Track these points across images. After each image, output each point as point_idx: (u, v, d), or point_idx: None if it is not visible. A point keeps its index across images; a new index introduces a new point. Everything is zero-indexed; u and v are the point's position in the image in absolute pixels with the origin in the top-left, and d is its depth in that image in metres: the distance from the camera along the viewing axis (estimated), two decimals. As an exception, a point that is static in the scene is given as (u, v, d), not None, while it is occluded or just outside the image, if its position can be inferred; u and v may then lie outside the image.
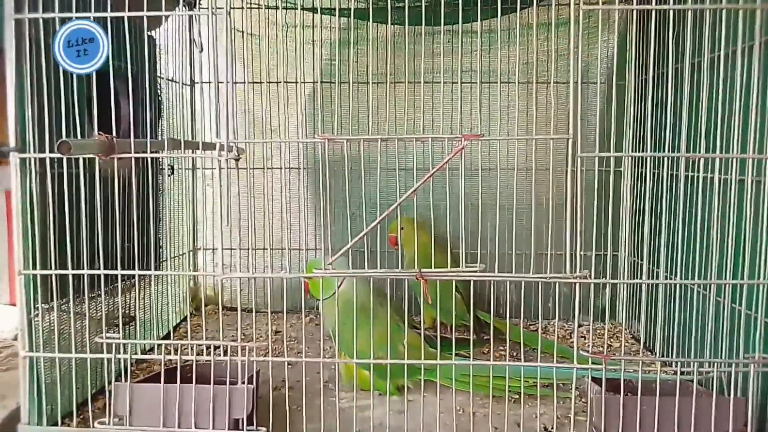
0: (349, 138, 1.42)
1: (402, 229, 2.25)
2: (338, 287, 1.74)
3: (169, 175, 2.34)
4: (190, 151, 1.89)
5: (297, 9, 2.35)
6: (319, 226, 2.62)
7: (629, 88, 2.30)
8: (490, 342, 2.04)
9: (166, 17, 2.12)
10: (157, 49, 2.22)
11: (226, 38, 1.40)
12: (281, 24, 2.45)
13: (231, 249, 2.44)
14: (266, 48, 2.46)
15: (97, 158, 1.41)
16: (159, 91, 2.25)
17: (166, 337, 2.17)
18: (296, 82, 2.45)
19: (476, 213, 1.41)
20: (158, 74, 2.24)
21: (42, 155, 1.45)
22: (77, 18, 1.39)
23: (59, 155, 1.31)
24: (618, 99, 2.30)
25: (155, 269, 2.15)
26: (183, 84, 2.43)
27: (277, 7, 2.36)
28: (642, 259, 2.19)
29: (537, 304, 2.14)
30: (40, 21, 1.43)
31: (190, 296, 2.55)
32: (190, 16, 2.33)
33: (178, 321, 2.42)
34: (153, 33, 2.17)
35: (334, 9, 2.33)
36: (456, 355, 1.80)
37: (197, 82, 2.54)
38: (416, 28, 2.35)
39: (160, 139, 2.13)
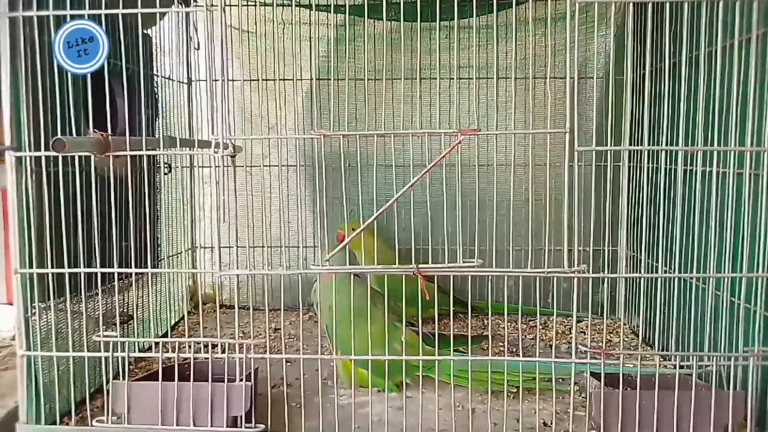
0: (345, 134, 1.42)
1: (353, 229, 2.27)
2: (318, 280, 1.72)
3: (165, 173, 2.34)
4: (187, 149, 1.89)
5: (293, 6, 2.34)
6: (317, 222, 2.61)
7: (627, 82, 2.29)
8: (489, 338, 2.04)
9: (162, 15, 2.12)
10: (154, 47, 2.22)
11: (221, 35, 1.40)
12: (278, 21, 2.44)
13: (229, 247, 2.45)
14: (263, 45, 2.46)
15: (92, 156, 1.41)
16: (155, 89, 2.25)
17: (165, 335, 2.17)
18: (293, 79, 2.45)
19: (474, 208, 1.41)
20: (154, 72, 2.24)
21: (38, 153, 1.45)
22: (75, 17, 1.38)
23: (55, 153, 1.31)
24: (616, 93, 2.29)
25: (153, 267, 2.16)
26: (179, 82, 2.43)
27: (272, 4, 2.35)
28: (641, 254, 2.19)
29: (536, 299, 2.14)
30: (35, 19, 1.43)
31: (188, 294, 2.55)
32: (187, 14, 2.33)
33: (176, 319, 2.41)
34: (149, 31, 2.16)
35: (330, 5, 2.32)
36: (454, 351, 1.80)
37: (194, 80, 2.54)
38: (413, 24, 2.35)
39: (156, 137, 2.12)
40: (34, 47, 1.43)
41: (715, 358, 1.41)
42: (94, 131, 1.38)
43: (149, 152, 1.45)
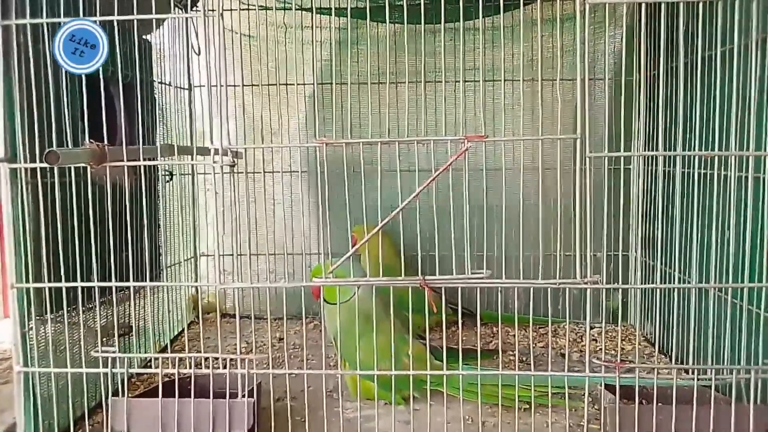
0: (349, 141, 1.38)
1: (354, 234, 2.23)
2: (356, 293, 1.67)
3: (167, 181, 2.30)
4: (185, 157, 1.85)
5: (293, 9, 2.30)
6: (321, 230, 2.57)
7: (638, 84, 2.24)
8: (499, 351, 1.99)
9: (161, 20, 2.08)
10: (153, 53, 2.18)
11: (221, 40, 1.36)
12: (279, 25, 2.41)
13: (231, 255, 2.41)
14: (264, 50, 2.42)
15: (89, 167, 1.37)
16: (155, 95, 2.21)
17: (166, 347, 2.13)
18: (295, 84, 2.41)
19: (482, 215, 1.36)
20: (154, 78, 2.20)
21: (33, 165, 1.41)
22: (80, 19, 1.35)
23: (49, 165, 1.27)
24: (626, 95, 2.24)
25: (154, 278, 2.12)
26: (180, 88, 2.39)
27: (272, 8, 2.31)
28: (654, 260, 2.13)
29: (546, 306, 2.09)
30: (28, 27, 1.39)
31: (190, 304, 2.51)
32: (187, 19, 2.29)
33: (178, 330, 2.38)
34: (148, 37, 2.13)
35: (332, 8, 2.28)
36: (464, 365, 1.75)
37: (194, 86, 2.50)
38: (417, 27, 2.30)
39: (156, 144, 2.09)
40: (28, 55, 1.40)
41: (734, 370, 1.35)
42: (89, 141, 1.34)
43: (146, 162, 1.41)
